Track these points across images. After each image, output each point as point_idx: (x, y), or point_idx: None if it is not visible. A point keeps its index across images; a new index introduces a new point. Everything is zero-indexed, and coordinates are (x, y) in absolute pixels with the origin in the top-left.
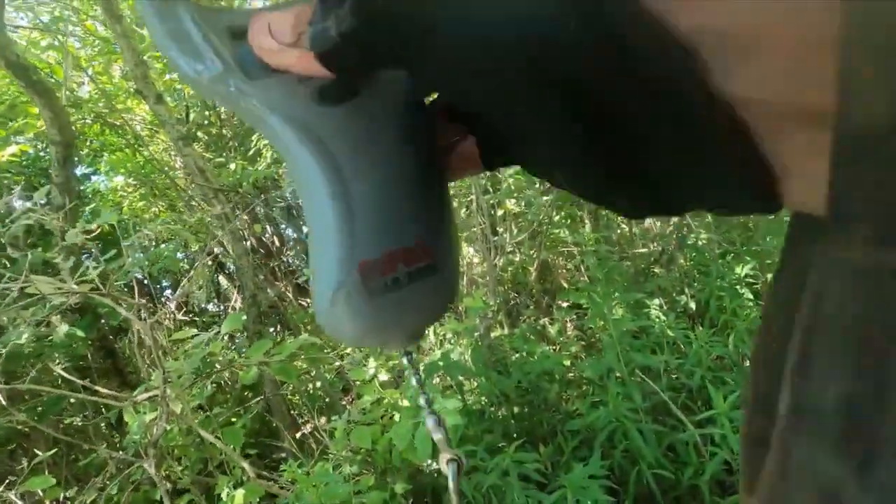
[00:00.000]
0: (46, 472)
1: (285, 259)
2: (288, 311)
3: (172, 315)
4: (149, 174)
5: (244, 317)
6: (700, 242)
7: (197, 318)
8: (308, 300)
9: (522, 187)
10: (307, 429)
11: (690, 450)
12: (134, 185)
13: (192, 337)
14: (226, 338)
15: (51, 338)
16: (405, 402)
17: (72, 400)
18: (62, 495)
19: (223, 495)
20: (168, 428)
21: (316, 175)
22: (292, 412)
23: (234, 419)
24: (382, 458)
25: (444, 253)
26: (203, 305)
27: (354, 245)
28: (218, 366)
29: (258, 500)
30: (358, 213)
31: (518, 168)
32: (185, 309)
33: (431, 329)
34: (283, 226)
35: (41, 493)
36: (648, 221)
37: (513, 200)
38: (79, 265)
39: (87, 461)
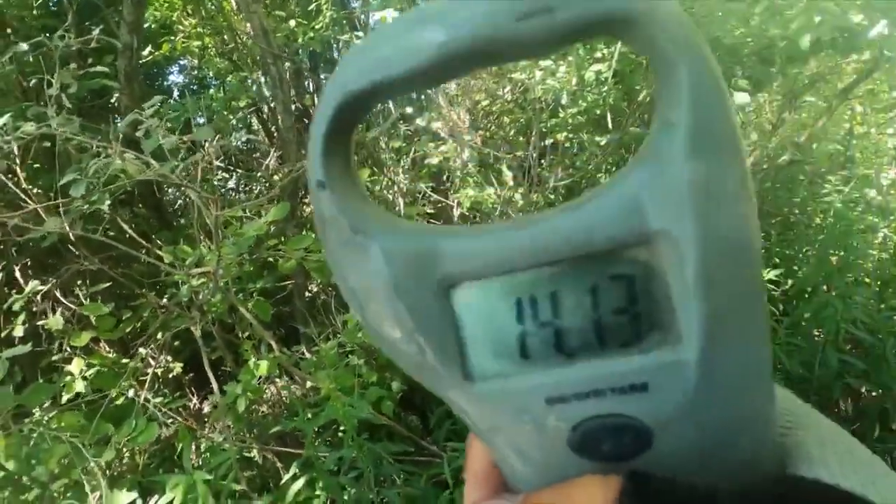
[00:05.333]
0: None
1: None
2: None
3: (210, 160)
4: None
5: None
6: None
7: (231, 168)
8: None
9: (580, 128)
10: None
11: None
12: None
13: (240, 219)
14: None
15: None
16: None
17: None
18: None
19: (250, 363)
20: (212, 299)
21: None
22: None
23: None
24: (385, 356)
25: None
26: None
27: None
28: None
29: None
30: None
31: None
32: (222, 157)
33: None
34: None
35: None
36: None
37: (564, 134)
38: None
39: (139, 304)
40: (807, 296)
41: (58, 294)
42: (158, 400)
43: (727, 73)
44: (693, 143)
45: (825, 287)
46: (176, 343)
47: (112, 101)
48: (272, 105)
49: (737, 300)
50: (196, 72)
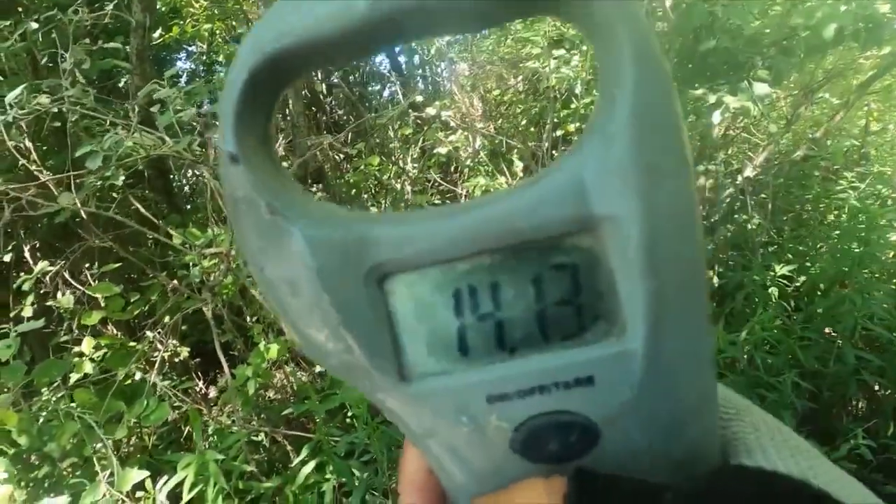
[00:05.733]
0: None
1: (330, 110)
2: (332, 177)
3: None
4: None
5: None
6: (749, 226)
7: None
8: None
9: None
10: None
11: None
12: None
13: None
14: None
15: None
16: None
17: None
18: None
19: (260, 346)
20: (223, 280)
21: None
22: None
23: None
24: None
25: None
26: None
27: None
28: None
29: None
30: None
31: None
32: None
33: None
34: (334, 78)
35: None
36: (702, 181)
37: (576, 125)
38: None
39: (149, 284)
40: (819, 292)
41: (66, 275)
42: (166, 383)
43: (747, 63)
44: (636, 118)
45: (839, 284)
46: (183, 328)
47: (120, 85)
48: None
49: (680, 280)
50: (205, 57)
